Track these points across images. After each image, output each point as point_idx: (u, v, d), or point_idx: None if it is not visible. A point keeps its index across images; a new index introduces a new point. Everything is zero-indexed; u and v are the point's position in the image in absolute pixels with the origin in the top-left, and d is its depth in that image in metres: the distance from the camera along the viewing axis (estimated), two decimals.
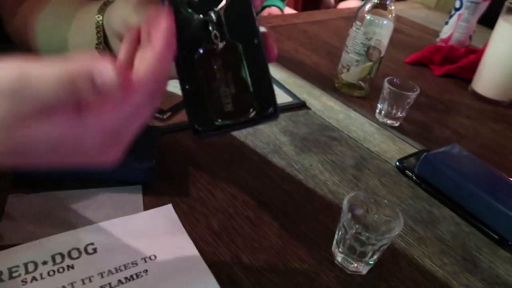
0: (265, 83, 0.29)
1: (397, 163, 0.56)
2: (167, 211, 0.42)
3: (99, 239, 0.37)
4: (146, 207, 0.42)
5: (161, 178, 0.45)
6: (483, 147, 0.65)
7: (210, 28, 0.29)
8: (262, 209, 0.44)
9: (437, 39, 1.01)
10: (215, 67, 0.29)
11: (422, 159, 0.53)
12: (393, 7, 0.65)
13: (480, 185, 0.49)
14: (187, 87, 0.29)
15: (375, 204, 0.40)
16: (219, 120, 0.29)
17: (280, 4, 1.40)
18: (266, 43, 0.30)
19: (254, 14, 0.29)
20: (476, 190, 0.48)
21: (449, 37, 0.98)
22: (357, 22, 0.67)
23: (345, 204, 0.39)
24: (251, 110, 0.29)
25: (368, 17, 0.66)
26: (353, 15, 0.69)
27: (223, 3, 0.29)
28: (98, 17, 0.39)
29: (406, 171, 0.54)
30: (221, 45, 0.29)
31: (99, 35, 0.39)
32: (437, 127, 0.69)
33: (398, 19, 0.68)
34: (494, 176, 0.52)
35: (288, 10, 1.53)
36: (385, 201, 0.40)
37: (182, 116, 0.56)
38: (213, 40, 0.29)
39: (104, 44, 0.39)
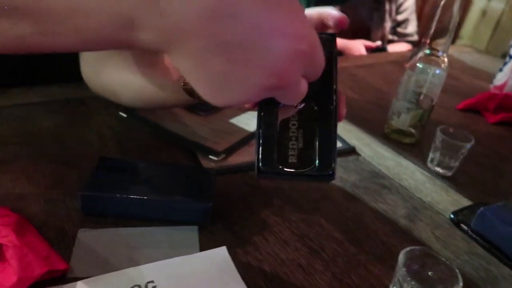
0: (330, 146, 0.32)
1: (452, 216, 0.54)
2: (222, 253, 0.43)
3: (159, 278, 0.39)
4: (202, 248, 0.43)
5: (215, 219, 0.47)
6: None
7: None
8: (313, 257, 0.45)
9: (491, 86, 1.00)
10: (291, 122, 0.32)
11: (478, 214, 0.51)
12: (446, 59, 0.66)
13: None
14: (263, 131, 0.32)
15: (432, 260, 0.40)
16: (281, 167, 0.32)
17: None
18: (338, 105, 0.32)
19: (335, 80, 0.32)
20: None
21: (504, 84, 0.96)
22: (409, 71, 0.68)
23: (400, 258, 0.38)
24: (311, 167, 0.32)
25: (420, 65, 0.67)
26: (404, 61, 0.69)
27: None
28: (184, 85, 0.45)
29: (461, 224, 0.53)
30: (301, 105, 0.32)
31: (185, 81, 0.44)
32: (493, 178, 0.66)
33: (448, 64, 0.68)
34: None
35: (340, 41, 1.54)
36: (442, 258, 0.39)
37: (235, 158, 0.59)
38: None
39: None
